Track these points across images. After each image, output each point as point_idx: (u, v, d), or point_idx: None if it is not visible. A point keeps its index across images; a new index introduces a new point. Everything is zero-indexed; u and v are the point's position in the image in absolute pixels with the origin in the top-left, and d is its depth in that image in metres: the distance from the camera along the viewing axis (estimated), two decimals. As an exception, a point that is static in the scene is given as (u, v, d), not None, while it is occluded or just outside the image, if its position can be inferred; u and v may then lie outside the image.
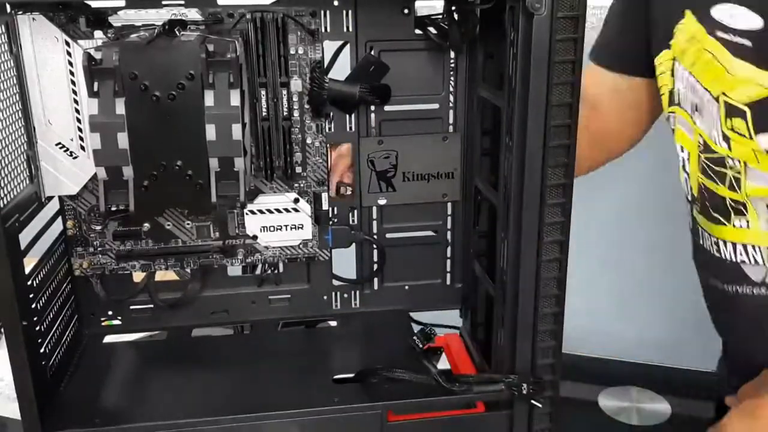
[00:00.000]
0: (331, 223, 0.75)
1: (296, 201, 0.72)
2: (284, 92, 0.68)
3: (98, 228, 0.70)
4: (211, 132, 0.60)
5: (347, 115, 0.71)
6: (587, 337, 1.14)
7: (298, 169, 0.71)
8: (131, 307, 0.75)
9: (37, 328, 0.62)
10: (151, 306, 0.74)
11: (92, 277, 0.71)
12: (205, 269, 0.74)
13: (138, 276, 0.73)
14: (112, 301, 0.73)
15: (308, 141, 0.70)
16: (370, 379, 0.66)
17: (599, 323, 1.48)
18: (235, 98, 0.60)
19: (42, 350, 0.63)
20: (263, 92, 0.67)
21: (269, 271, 0.75)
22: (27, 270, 0.60)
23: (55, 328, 0.66)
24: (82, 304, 0.73)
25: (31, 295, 0.61)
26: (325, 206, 0.73)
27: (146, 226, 0.70)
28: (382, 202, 0.75)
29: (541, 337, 0.62)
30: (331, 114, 0.71)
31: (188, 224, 0.71)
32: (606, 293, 1.58)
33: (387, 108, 0.72)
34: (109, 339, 0.75)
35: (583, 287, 1.11)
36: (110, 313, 0.74)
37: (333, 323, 0.80)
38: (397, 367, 0.66)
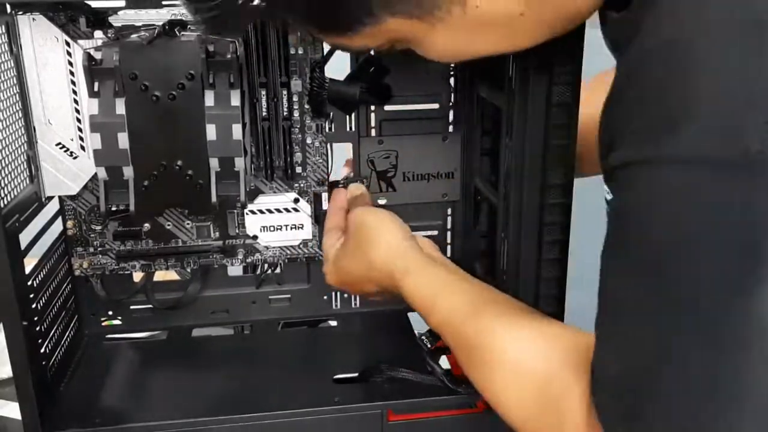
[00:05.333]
0: (331, 223, 0.74)
1: (296, 201, 0.72)
2: (284, 92, 0.68)
3: (98, 228, 0.70)
4: (211, 132, 0.60)
5: (347, 115, 0.71)
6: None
7: (298, 169, 0.71)
8: (131, 307, 0.75)
9: (38, 328, 0.62)
10: (151, 306, 0.74)
11: (92, 277, 0.71)
12: (205, 269, 0.74)
13: (138, 276, 0.73)
14: (112, 301, 0.74)
15: (308, 141, 0.70)
16: (374, 377, 0.66)
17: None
18: (235, 98, 0.60)
19: (42, 350, 0.63)
20: (263, 92, 0.67)
21: (269, 271, 0.75)
22: (27, 270, 0.60)
23: (55, 328, 0.66)
24: (82, 304, 0.73)
25: (31, 295, 0.61)
26: (325, 206, 0.73)
27: (146, 226, 0.70)
28: (382, 202, 0.75)
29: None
30: (331, 114, 0.71)
31: (188, 224, 0.71)
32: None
33: (387, 108, 0.72)
34: (109, 339, 0.75)
35: (583, 286, 1.11)
36: (110, 313, 0.74)
37: (333, 323, 0.80)
38: (397, 367, 0.66)
